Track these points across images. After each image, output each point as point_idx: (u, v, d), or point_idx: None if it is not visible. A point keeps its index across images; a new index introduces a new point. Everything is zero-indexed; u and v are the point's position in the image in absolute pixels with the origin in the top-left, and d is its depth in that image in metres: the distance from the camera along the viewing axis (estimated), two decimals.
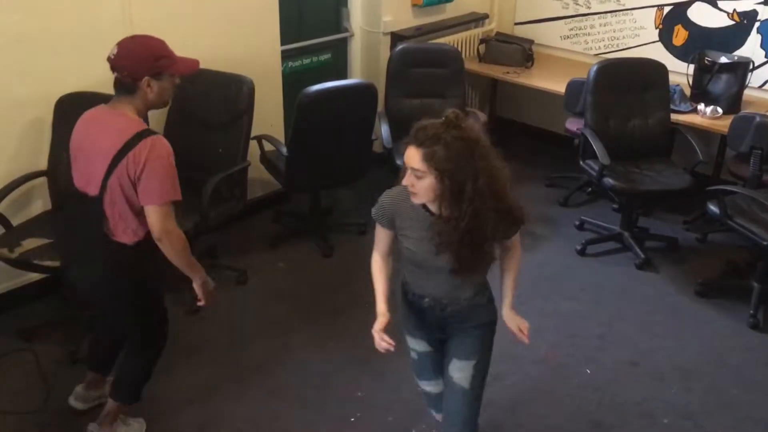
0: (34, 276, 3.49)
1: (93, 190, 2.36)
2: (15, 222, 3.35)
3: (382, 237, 2.31)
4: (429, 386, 2.47)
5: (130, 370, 2.78)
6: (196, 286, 2.54)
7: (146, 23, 3.59)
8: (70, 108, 3.39)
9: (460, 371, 2.30)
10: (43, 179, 3.44)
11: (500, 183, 2.05)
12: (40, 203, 3.51)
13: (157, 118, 3.67)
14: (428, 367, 2.43)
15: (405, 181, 2.06)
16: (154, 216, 2.32)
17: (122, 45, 2.32)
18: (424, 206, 2.13)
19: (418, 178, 2.02)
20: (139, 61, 2.30)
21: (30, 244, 3.14)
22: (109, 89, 2.23)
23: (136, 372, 2.77)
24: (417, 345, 2.41)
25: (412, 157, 2.00)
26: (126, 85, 2.32)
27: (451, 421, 2.36)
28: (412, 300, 2.33)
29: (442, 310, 2.28)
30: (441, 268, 2.15)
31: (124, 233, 2.40)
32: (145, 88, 2.32)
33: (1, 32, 3.15)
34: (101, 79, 3.45)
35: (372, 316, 2.93)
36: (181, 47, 3.77)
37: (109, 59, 2.31)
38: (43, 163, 3.43)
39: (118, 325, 2.82)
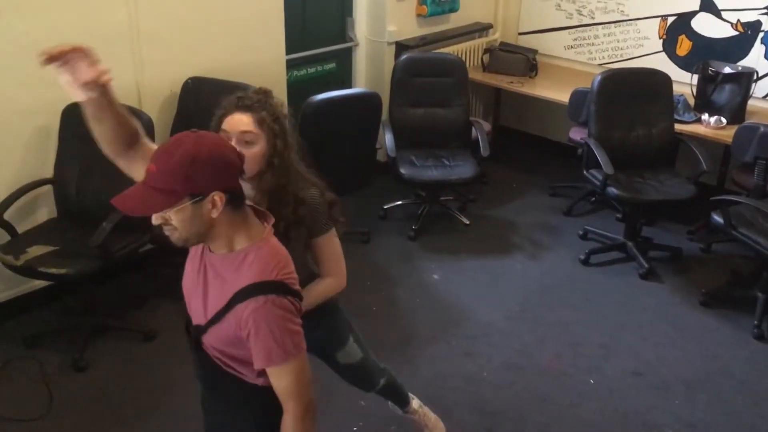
0: (39, 283, 3.49)
1: None
2: (21, 229, 3.36)
3: None
4: None
5: None
6: None
7: (153, 33, 3.62)
8: (78, 116, 3.41)
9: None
10: (48, 187, 3.46)
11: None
12: (46, 211, 3.52)
13: (162, 128, 3.69)
14: None
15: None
16: None
17: None
18: None
19: (248, 143, 1.96)
20: None
21: (35, 251, 3.15)
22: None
23: None
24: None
25: (241, 121, 1.96)
26: None
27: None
28: None
29: None
30: None
31: None
32: None
33: (9, 41, 3.17)
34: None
35: (380, 323, 2.91)
36: (186, 56, 3.84)
37: None
38: (49, 171, 3.45)
39: None
